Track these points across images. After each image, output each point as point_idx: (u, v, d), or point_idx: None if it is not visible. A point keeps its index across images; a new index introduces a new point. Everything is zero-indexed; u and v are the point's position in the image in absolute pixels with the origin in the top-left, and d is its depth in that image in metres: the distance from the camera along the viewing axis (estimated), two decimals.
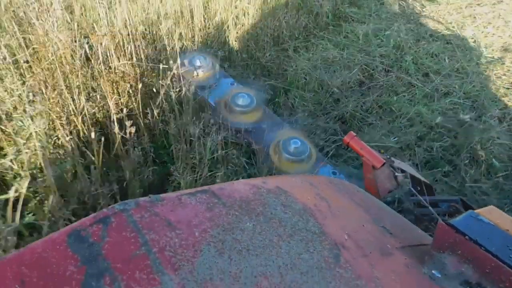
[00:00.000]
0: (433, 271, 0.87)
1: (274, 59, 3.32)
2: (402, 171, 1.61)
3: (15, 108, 1.80)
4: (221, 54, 2.81)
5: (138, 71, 2.23)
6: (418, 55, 3.32)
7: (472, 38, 3.66)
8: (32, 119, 1.78)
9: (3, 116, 1.70)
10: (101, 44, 2.43)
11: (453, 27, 3.77)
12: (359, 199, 1.06)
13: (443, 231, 0.88)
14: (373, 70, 3.18)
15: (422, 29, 3.65)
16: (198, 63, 2.64)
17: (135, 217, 0.68)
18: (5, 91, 1.80)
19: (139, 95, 2.15)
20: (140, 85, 1.95)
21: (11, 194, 1.16)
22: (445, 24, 3.81)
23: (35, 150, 1.63)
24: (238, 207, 0.78)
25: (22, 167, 1.60)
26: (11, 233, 1.15)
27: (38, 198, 1.51)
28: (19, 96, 1.85)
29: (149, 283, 0.59)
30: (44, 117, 1.82)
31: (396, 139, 2.63)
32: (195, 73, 2.59)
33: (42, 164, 1.56)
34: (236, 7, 3.34)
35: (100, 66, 2.14)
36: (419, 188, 1.64)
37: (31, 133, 1.71)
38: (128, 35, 2.58)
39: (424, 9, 4.05)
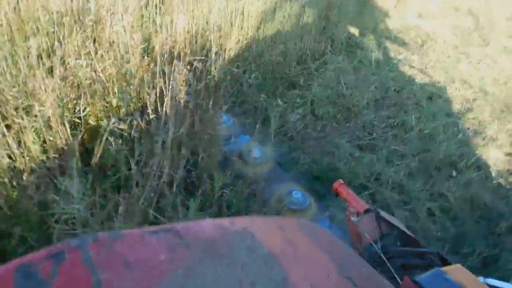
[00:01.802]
0: None
1: (299, 75, 3.75)
2: (388, 222, 1.62)
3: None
4: None
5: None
6: (424, 80, 3.83)
7: (467, 71, 4.21)
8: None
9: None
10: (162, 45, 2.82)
11: (451, 60, 4.33)
12: (328, 245, 1.04)
13: (408, 287, 0.89)
14: (386, 90, 3.65)
15: (426, 59, 4.19)
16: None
17: (91, 253, 0.64)
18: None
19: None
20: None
21: None
22: (444, 57, 4.37)
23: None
24: (201, 250, 0.75)
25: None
26: None
27: None
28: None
29: None
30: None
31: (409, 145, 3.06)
32: None
33: None
34: (267, 26, 3.79)
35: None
36: (403, 241, 1.66)
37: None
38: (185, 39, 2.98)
39: (425, 44, 4.62)
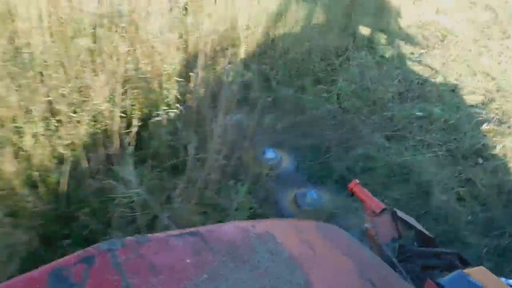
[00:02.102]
0: None
1: (323, 71, 3.86)
2: (405, 222, 1.61)
3: None
4: None
5: None
6: (446, 73, 3.91)
7: (488, 64, 4.28)
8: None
9: None
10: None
11: (472, 54, 4.41)
12: (347, 247, 1.05)
13: None
14: (409, 83, 3.75)
15: (447, 53, 4.27)
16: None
17: (119, 258, 0.67)
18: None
19: None
20: None
21: None
22: (465, 51, 4.45)
23: None
24: (225, 253, 0.77)
25: None
26: None
27: None
28: None
29: None
30: None
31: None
32: None
33: None
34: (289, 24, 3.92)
35: None
36: (421, 241, 1.66)
37: None
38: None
39: (445, 38, 4.70)
